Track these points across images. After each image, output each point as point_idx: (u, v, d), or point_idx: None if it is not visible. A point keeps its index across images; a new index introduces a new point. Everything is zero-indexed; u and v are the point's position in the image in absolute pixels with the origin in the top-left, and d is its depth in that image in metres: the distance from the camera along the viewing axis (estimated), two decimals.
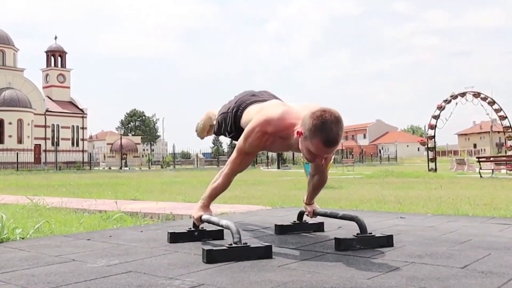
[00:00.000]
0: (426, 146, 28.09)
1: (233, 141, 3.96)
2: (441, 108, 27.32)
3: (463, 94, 27.10)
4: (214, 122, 4.27)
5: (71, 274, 2.67)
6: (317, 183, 3.93)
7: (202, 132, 4.74)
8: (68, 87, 75.29)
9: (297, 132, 3.05)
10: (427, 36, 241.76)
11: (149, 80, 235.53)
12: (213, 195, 3.56)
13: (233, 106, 3.87)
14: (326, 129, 2.89)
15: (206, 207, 3.58)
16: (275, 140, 3.30)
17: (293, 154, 56.81)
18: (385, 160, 75.77)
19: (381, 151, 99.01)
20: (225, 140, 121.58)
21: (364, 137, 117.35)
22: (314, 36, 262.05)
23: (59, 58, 75.11)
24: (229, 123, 3.92)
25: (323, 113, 2.92)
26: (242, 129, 3.52)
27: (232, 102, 3.95)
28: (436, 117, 27.34)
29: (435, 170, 26.13)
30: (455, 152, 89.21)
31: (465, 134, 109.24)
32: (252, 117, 3.44)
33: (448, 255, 3.05)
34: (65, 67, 75.52)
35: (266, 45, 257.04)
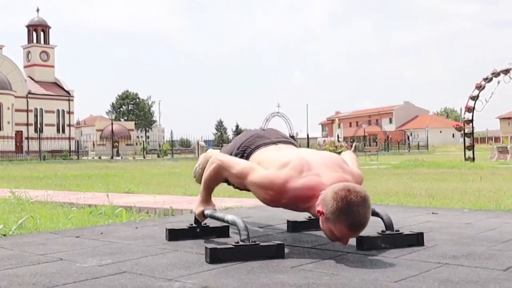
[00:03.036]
0: (462, 131, 28.00)
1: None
2: (480, 87, 27.14)
3: (506, 71, 26.83)
4: None
5: (58, 274, 2.69)
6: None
7: (200, 177, 4.72)
8: (52, 66, 75.49)
9: (318, 211, 3.02)
10: (464, 3, 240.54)
11: (143, 58, 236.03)
12: (207, 188, 3.60)
13: (236, 152, 3.82)
14: (352, 212, 2.87)
15: (207, 201, 3.59)
16: (286, 206, 3.30)
17: (308, 141, 56.81)
18: (414, 148, 75.57)
19: (410, 137, 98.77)
20: (229, 126, 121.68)
21: (390, 121, 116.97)
22: (332, 3, 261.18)
23: (41, 34, 75.25)
24: None
25: (348, 194, 2.89)
26: None
27: (235, 146, 3.90)
28: (475, 98, 27.17)
29: (473, 159, 26.04)
30: (496, 139, 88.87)
31: (509, 118, 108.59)
32: (261, 163, 3.37)
33: (487, 255, 3.05)
34: (48, 43, 75.69)
35: (275, 15, 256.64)
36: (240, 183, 3.42)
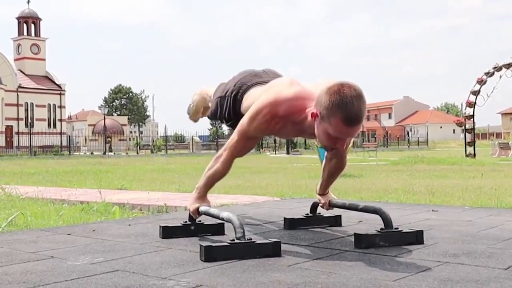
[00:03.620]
0: (463, 127, 28.02)
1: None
2: (481, 82, 27.14)
3: (508, 66, 26.81)
4: (209, 104, 4.25)
5: (49, 272, 2.69)
6: (334, 168, 3.93)
7: (195, 115, 4.72)
8: (44, 60, 75.29)
9: (312, 113, 3.02)
10: None
11: (136, 52, 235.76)
12: (209, 184, 3.57)
13: (232, 89, 3.83)
14: (346, 104, 2.86)
15: (202, 197, 3.59)
16: (285, 125, 3.27)
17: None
18: (414, 144, 75.61)
19: (409, 133, 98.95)
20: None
21: (389, 117, 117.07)
22: None
23: (32, 26, 75.03)
24: (226, 108, 3.89)
25: (341, 87, 2.90)
26: (242, 116, 3.47)
27: (231, 83, 3.91)
28: (476, 93, 27.18)
29: (474, 155, 26.07)
30: (498, 135, 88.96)
31: (511, 113, 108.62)
32: (255, 100, 3.39)
33: (488, 254, 3.06)
34: (39, 36, 75.47)
35: (272, 7, 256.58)
36: (246, 135, 3.37)
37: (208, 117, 4.41)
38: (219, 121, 4.10)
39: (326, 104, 2.91)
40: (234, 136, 3.41)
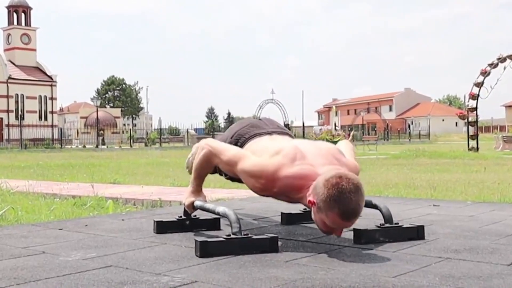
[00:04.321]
0: (466, 120, 27.98)
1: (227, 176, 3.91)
2: (485, 73, 27.09)
3: None
4: None
5: (41, 268, 2.70)
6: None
7: None
8: (34, 50, 75.10)
9: (309, 201, 3.02)
10: None
11: (130, 42, 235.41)
12: (198, 177, 3.61)
13: (229, 141, 3.82)
14: (344, 200, 2.86)
15: (197, 191, 3.60)
16: (277, 196, 3.32)
17: (303, 130, 56.86)
18: (415, 137, 75.61)
19: (411, 126, 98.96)
20: (221, 113, 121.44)
21: (390, 109, 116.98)
22: None
23: (22, 15, 74.81)
24: None
25: (339, 181, 2.89)
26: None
27: (228, 135, 3.92)
28: (479, 85, 27.14)
29: (477, 149, 26.06)
30: (502, 128, 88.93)
31: None
32: (255, 152, 3.39)
33: (491, 250, 3.07)
34: (30, 25, 75.24)
35: None
36: (231, 171, 3.42)
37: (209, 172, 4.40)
38: (218, 174, 4.09)
39: (323, 197, 2.90)
40: (229, 154, 3.40)
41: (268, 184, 3.18)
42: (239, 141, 3.76)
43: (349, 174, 2.96)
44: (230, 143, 3.77)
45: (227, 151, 3.42)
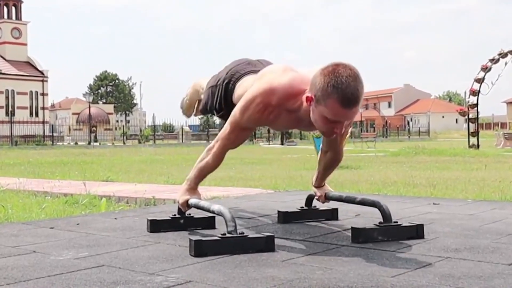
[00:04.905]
0: (466, 117, 28.01)
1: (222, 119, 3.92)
2: (486, 69, 27.10)
3: None
4: (202, 97, 4.25)
5: (31, 268, 2.69)
6: (330, 161, 3.93)
7: (188, 109, 4.72)
8: (25, 44, 75.00)
9: (306, 97, 3.01)
10: None
11: (123, 36, 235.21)
12: (201, 176, 3.58)
13: (224, 77, 3.82)
14: (342, 84, 2.84)
15: (193, 189, 3.59)
16: (280, 114, 3.26)
17: None
18: (414, 134, 75.73)
19: (410, 123, 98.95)
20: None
21: (389, 105, 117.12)
22: None
23: (13, 8, 74.68)
24: (217, 98, 3.89)
25: (336, 67, 2.89)
26: (234, 106, 3.47)
27: (223, 72, 3.91)
28: (480, 81, 27.15)
29: (477, 146, 26.11)
30: (503, 125, 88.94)
31: None
32: (248, 89, 3.38)
33: (492, 249, 3.07)
34: (20, 19, 75.14)
35: None
36: (239, 126, 3.37)
37: (201, 111, 4.39)
38: (210, 113, 4.09)
39: (320, 86, 2.90)
40: (227, 127, 3.40)
41: (265, 101, 3.18)
42: (234, 76, 3.77)
43: (345, 62, 2.96)
44: (225, 79, 3.80)
45: (226, 125, 3.42)
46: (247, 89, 3.40)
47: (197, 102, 4.58)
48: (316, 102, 2.96)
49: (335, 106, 2.88)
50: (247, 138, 3.61)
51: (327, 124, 3.01)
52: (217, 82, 3.89)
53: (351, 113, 2.97)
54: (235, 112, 3.34)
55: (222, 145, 3.44)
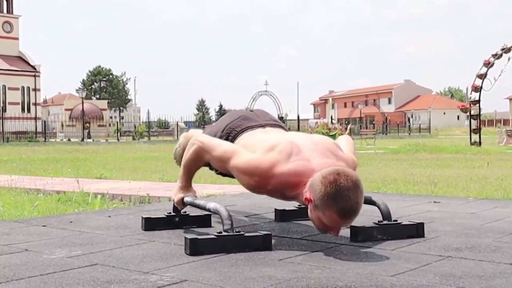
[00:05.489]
0: (468, 113, 28.01)
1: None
2: (488, 64, 27.06)
3: None
4: None
5: (23, 266, 2.70)
6: None
7: (181, 159, 4.73)
8: (17, 39, 74.94)
9: (305, 198, 3.02)
10: None
11: (117, 31, 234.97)
12: (187, 172, 3.60)
13: (220, 134, 3.80)
14: (342, 198, 2.86)
15: (187, 187, 3.60)
16: (273, 194, 3.31)
17: (298, 123, 56.88)
18: (415, 131, 75.73)
19: (410, 119, 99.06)
20: (212, 106, 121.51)
21: (389, 102, 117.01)
22: None
23: (4, 2, 74.59)
24: None
25: (337, 178, 2.89)
26: None
27: (219, 128, 3.88)
28: (482, 77, 27.11)
29: (479, 143, 26.09)
30: (505, 122, 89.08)
31: None
32: (247, 149, 3.36)
33: (493, 248, 3.08)
34: (12, 13, 75.05)
35: None
36: (223, 167, 3.41)
37: None
38: (209, 168, 4.08)
39: (320, 195, 2.90)
40: (220, 150, 3.38)
41: (262, 182, 3.17)
42: (231, 134, 3.75)
43: (347, 171, 2.96)
44: (221, 137, 3.76)
45: (219, 146, 3.40)
46: (245, 146, 3.40)
47: None
48: (314, 206, 2.96)
49: (333, 217, 2.90)
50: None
51: (323, 226, 3.03)
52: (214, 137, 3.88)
53: (348, 222, 3.00)
54: (234, 159, 3.27)
55: (201, 150, 3.45)
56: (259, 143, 3.36)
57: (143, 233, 3.59)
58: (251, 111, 4.03)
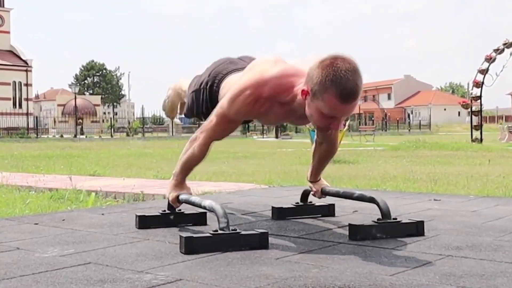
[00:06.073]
0: (469, 109, 28.02)
1: None
2: (490, 60, 27.07)
3: None
4: (185, 100, 4.23)
5: (15, 265, 2.70)
6: (325, 153, 3.94)
7: (171, 112, 4.72)
8: (8, 32, 74.80)
9: (302, 91, 3.00)
10: None
11: (110, 24, 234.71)
12: (186, 169, 3.58)
13: (206, 80, 3.82)
14: (341, 78, 2.84)
15: (181, 184, 3.60)
16: (271, 107, 3.25)
17: None
18: (415, 127, 75.74)
19: (410, 116, 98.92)
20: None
21: (389, 97, 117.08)
22: None
23: None
24: (203, 102, 3.89)
25: (335, 61, 2.89)
26: None
27: (205, 74, 3.90)
28: (484, 72, 27.13)
29: (481, 140, 26.11)
30: (507, 118, 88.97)
31: None
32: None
33: (495, 247, 3.08)
34: (3, 6, 74.92)
35: None
36: (225, 117, 3.34)
37: (185, 115, 4.38)
38: (196, 117, 4.08)
39: (318, 80, 2.89)
40: (213, 118, 3.37)
41: (256, 93, 3.16)
42: (217, 78, 3.77)
43: (344, 55, 2.95)
44: (208, 81, 3.81)
45: (212, 118, 3.38)
46: (231, 86, 3.39)
47: (179, 103, 4.58)
48: (312, 96, 2.95)
49: (333, 101, 2.88)
50: (233, 131, 3.59)
51: (323, 119, 3.01)
52: (200, 85, 3.89)
53: (349, 108, 2.97)
54: (223, 103, 3.31)
55: (207, 136, 3.41)
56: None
57: (137, 231, 3.59)
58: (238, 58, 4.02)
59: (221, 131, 3.41)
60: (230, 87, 3.45)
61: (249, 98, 3.18)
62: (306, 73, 3.03)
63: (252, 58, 3.91)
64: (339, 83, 2.84)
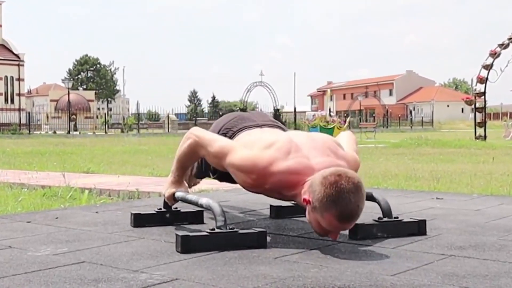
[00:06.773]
0: (473, 106, 28.00)
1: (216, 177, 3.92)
2: (495, 55, 27.01)
3: None
4: None
5: (7, 264, 2.70)
6: None
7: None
8: (0, 26, 74.71)
9: (304, 199, 3.02)
10: None
11: (105, 18, 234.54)
12: (182, 167, 3.60)
13: None
14: (342, 200, 2.86)
15: (178, 182, 3.60)
16: (270, 193, 3.33)
17: (295, 115, 56.86)
18: (417, 124, 75.82)
19: (413, 112, 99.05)
20: (205, 97, 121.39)
21: (390, 93, 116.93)
22: None
23: None
24: None
25: (338, 180, 2.89)
26: None
27: (214, 129, 3.88)
28: (488, 68, 27.07)
29: (485, 138, 26.08)
30: None
31: None
32: (245, 148, 3.34)
33: (498, 246, 3.09)
34: None
35: None
36: (219, 164, 3.39)
37: (195, 175, 4.34)
38: (205, 176, 4.07)
39: (320, 196, 2.90)
40: (217, 147, 3.36)
41: (260, 180, 3.18)
42: (227, 134, 3.74)
43: (349, 172, 2.96)
44: None
45: (215, 142, 3.40)
46: (244, 145, 3.37)
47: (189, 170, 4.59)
48: (313, 208, 2.97)
49: (332, 220, 2.91)
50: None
51: (321, 230, 3.04)
52: None
53: (348, 226, 3.03)
54: (230, 156, 3.26)
55: (199, 145, 3.44)
56: (256, 141, 3.35)
57: (132, 230, 3.60)
58: (245, 110, 4.05)
59: (210, 158, 3.44)
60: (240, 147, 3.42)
61: (250, 180, 3.22)
62: (314, 168, 3.08)
63: (263, 115, 4.00)
64: (340, 205, 2.86)
